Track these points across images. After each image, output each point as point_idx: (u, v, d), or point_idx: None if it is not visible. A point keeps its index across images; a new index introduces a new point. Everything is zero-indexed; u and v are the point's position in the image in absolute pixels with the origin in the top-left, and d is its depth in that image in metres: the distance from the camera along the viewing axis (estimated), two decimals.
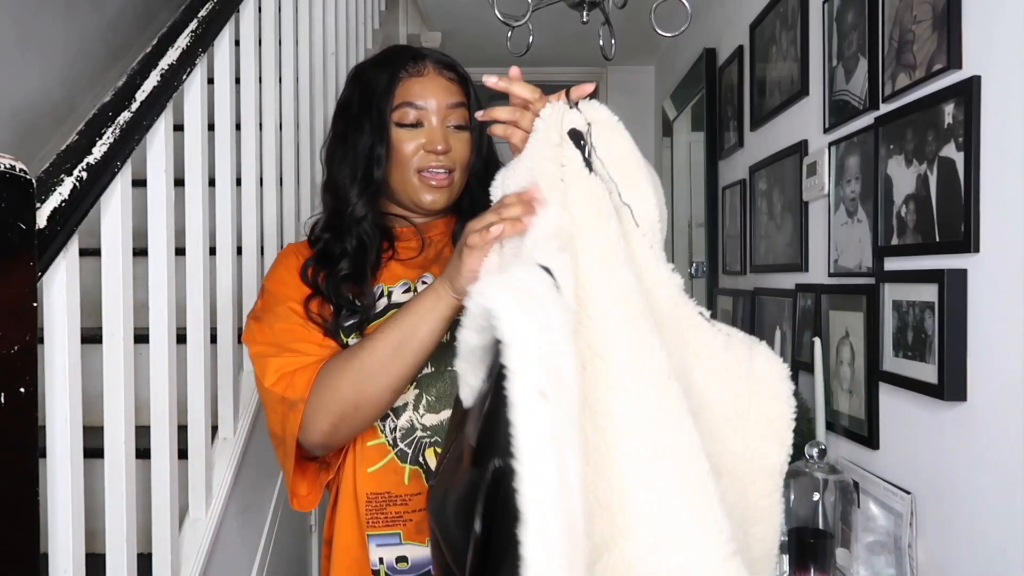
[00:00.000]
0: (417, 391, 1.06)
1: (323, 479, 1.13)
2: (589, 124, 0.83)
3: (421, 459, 1.06)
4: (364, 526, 1.06)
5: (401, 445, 1.06)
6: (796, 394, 0.90)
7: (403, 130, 1.09)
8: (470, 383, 0.70)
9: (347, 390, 0.98)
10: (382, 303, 1.11)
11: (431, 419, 1.06)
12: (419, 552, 1.04)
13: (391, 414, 1.06)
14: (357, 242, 1.12)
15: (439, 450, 1.03)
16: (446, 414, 1.05)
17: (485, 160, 1.17)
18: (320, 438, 1.01)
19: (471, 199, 1.17)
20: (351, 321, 1.09)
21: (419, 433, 1.06)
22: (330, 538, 1.13)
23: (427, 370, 1.04)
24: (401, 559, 1.05)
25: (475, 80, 1.14)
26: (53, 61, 2.67)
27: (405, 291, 1.12)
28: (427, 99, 1.09)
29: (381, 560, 1.06)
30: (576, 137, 0.82)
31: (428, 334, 0.94)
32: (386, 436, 1.07)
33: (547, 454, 0.56)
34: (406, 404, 1.06)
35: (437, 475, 0.76)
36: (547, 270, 0.66)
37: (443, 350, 0.98)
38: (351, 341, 1.08)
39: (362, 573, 1.06)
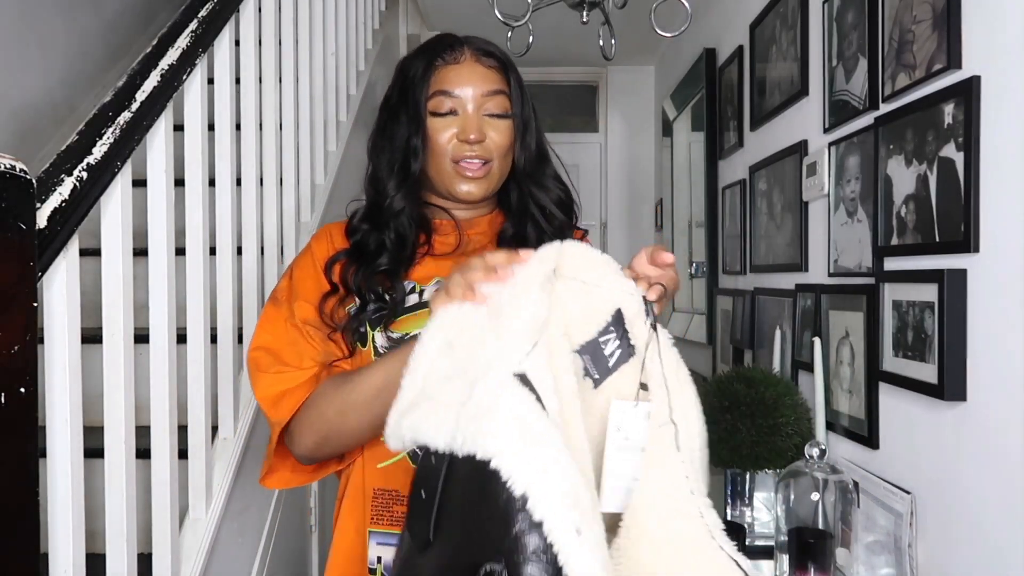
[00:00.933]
0: None
1: (332, 468, 1.10)
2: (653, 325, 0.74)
3: None
4: (368, 522, 1.04)
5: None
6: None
7: (438, 119, 1.07)
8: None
9: (332, 417, 0.97)
10: (412, 299, 1.08)
11: None
12: None
13: None
14: (395, 235, 1.09)
15: None
16: None
17: (537, 155, 1.12)
18: (305, 452, 1.02)
19: (520, 197, 1.13)
20: (379, 314, 1.06)
21: None
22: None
23: None
24: None
25: (522, 69, 1.11)
26: (53, 61, 2.67)
27: (437, 290, 1.07)
28: (462, 87, 1.06)
29: (379, 559, 1.03)
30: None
31: None
32: None
33: None
34: None
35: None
36: (523, 378, 0.62)
37: None
38: (376, 334, 1.05)
39: (359, 570, 1.04)
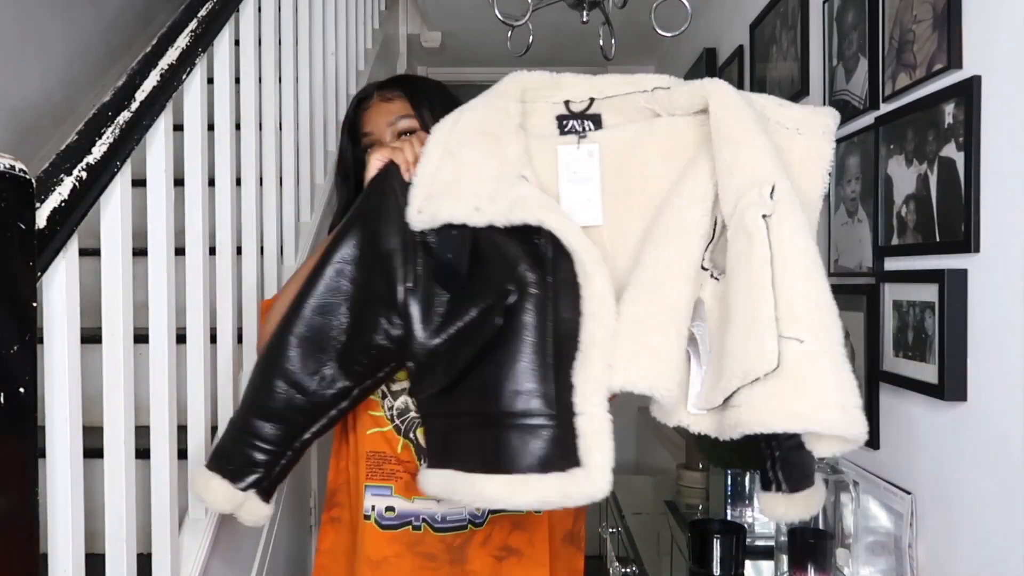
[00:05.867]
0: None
1: None
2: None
3: (412, 436, 1.25)
4: (363, 478, 1.26)
5: (397, 421, 1.25)
6: None
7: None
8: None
9: (290, 291, 1.18)
10: None
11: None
12: (404, 505, 1.24)
13: (389, 395, 1.26)
14: None
15: None
16: None
17: None
18: (267, 338, 1.19)
19: None
20: None
21: (412, 414, 1.25)
22: (334, 488, 1.34)
23: None
24: (389, 508, 1.24)
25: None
26: (53, 61, 2.67)
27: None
28: (374, 124, 1.34)
29: (373, 508, 1.25)
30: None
31: None
32: (385, 411, 1.26)
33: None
34: (404, 388, 1.24)
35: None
36: (525, 178, 1.07)
37: None
38: None
39: (359, 517, 1.27)
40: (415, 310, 1.08)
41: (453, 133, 1.08)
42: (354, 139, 1.37)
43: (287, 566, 1.94)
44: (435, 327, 1.07)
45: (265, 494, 1.13)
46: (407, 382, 1.21)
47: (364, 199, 1.13)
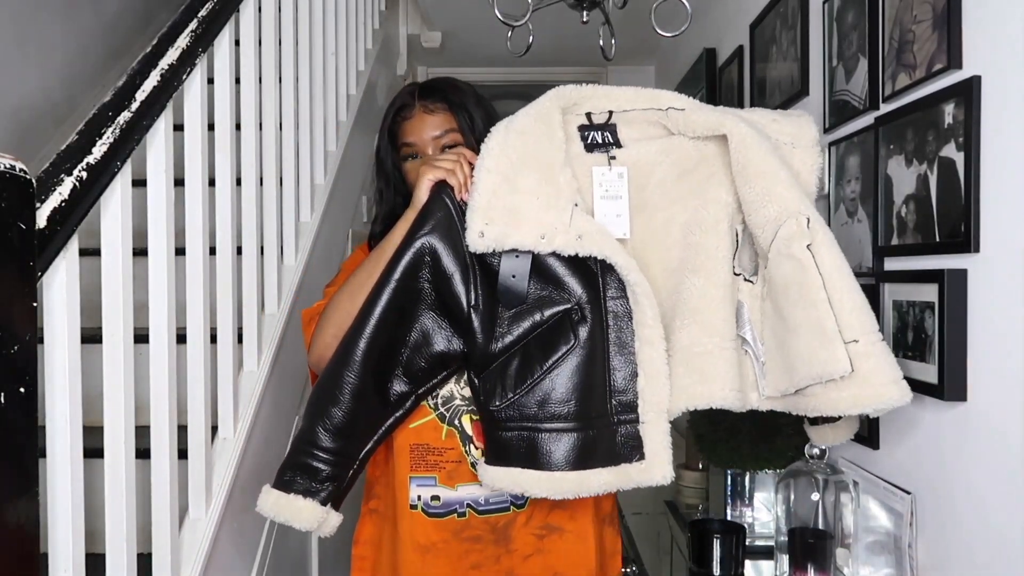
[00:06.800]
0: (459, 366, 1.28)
1: None
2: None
3: (457, 422, 1.30)
4: (408, 469, 1.30)
5: (441, 409, 1.30)
6: None
7: (410, 163, 1.38)
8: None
9: (344, 302, 1.25)
10: None
11: (469, 391, 1.27)
12: (449, 493, 1.30)
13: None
14: None
15: (474, 417, 1.28)
16: None
17: None
18: (323, 349, 1.26)
19: None
20: None
21: (457, 401, 1.30)
22: (372, 480, 1.40)
23: None
24: (435, 498, 1.30)
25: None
26: (53, 61, 2.67)
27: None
28: (417, 136, 1.37)
29: (419, 497, 1.30)
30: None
31: None
32: (427, 401, 1.29)
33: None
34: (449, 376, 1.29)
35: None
36: (576, 206, 1.18)
37: None
38: None
39: (403, 507, 1.31)
40: (479, 326, 1.17)
41: (503, 159, 1.15)
42: (394, 146, 1.40)
43: (287, 566, 1.94)
44: (499, 341, 1.17)
45: (337, 505, 1.22)
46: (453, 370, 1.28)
47: (427, 216, 1.19)
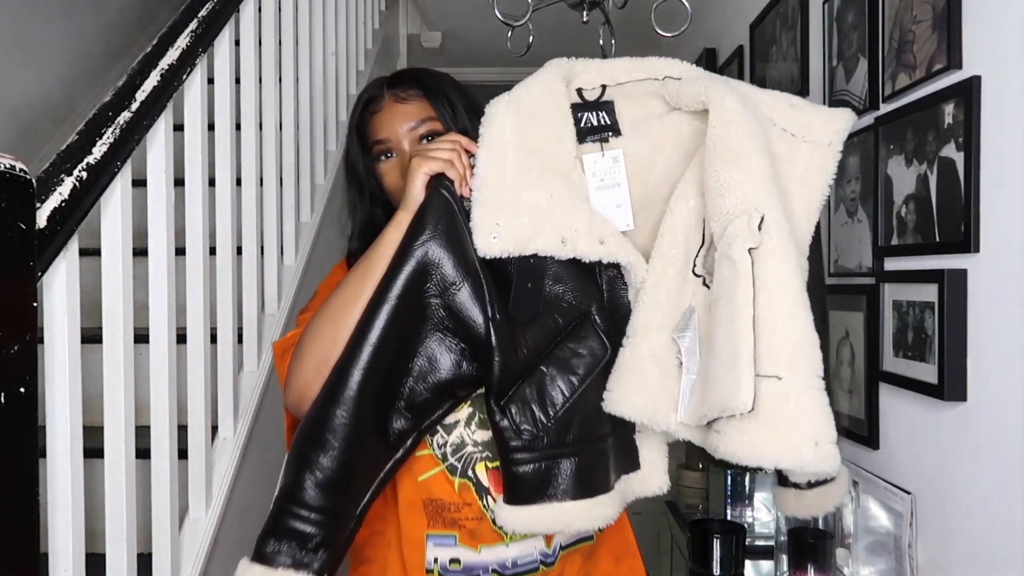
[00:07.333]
0: (471, 409, 1.09)
1: None
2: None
3: (471, 473, 1.08)
4: (425, 526, 1.09)
5: (451, 460, 1.09)
6: None
7: (383, 163, 1.17)
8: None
9: (328, 327, 1.02)
10: None
11: (483, 435, 1.08)
12: (471, 556, 1.08)
13: (440, 430, 1.09)
14: None
15: (490, 464, 1.08)
16: None
17: None
18: (303, 386, 1.03)
19: None
20: None
21: (469, 448, 1.09)
22: (361, 543, 1.13)
23: (481, 390, 1.04)
24: (454, 561, 1.08)
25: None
26: (53, 61, 2.67)
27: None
28: (388, 131, 1.15)
29: (436, 560, 1.08)
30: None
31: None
32: (434, 450, 1.09)
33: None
34: (457, 421, 1.09)
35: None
36: (590, 205, 1.05)
37: None
38: None
39: (416, 571, 1.09)
40: (498, 342, 0.97)
41: (509, 144, 0.97)
42: (364, 147, 1.19)
43: None
44: (521, 360, 0.99)
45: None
46: (460, 413, 1.09)
47: (427, 218, 0.98)
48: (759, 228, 0.90)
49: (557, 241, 0.96)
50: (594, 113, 1.04)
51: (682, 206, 1.00)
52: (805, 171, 1.01)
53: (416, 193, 1.00)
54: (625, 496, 1.06)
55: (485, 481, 1.08)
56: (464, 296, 0.98)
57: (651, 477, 1.06)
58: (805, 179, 1.00)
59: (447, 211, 0.98)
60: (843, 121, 1.02)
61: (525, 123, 0.98)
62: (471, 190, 0.97)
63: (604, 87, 1.03)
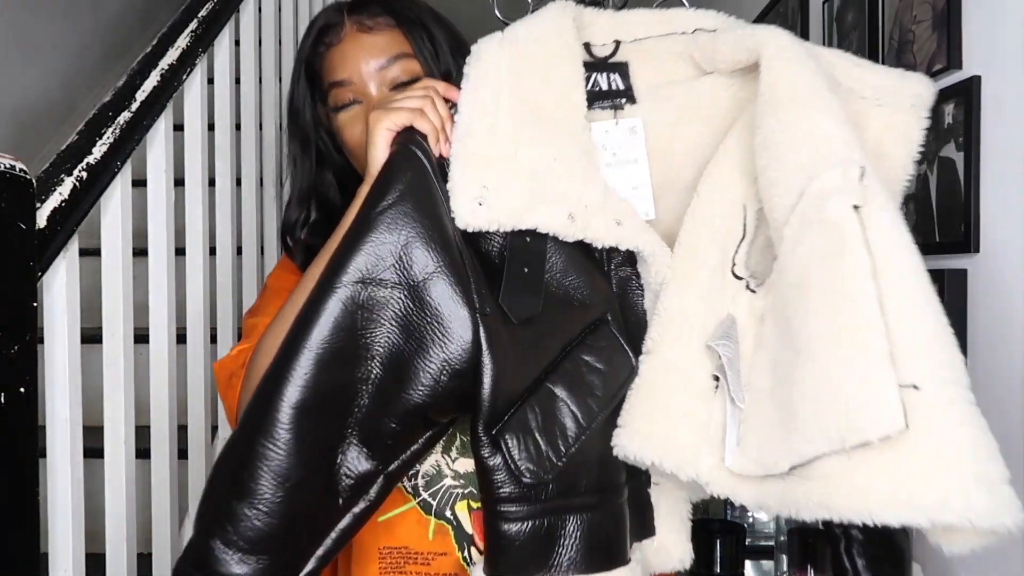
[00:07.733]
0: (451, 430, 0.78)
1: None
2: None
3: (449, 513, 0.82)
4: None
5: (424, 495, 0.83)
6: None
7: (343, 114, 0.89)
8: None
9: (280, 335, 0.73)
10: None
11: (466, 464, 0.82)
12: None
13: None
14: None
15: (473, 504, 0.82)
16: None
17: None
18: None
19: None
20: None
21: (448, 481, 0.83)
22: None
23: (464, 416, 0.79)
24: None
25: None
26: (53, 61, 2.67)
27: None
28: (352, 69, 0.87)
29: None
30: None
31: None
32: (403, 482, 0.82)
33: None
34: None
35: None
36: (607, 186, 0.81)
37: None
38: None
39: None
40: (489, 345, 0.68)
41: (503, 91, 0.73)
42: (315, 91, 0.92)
43: None
44: (523, 372, 0.71)
45: None
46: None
47: (390, 183, 0.70)
48: (860, 180, 0.65)
49: (563, 215, 0.71)
50: (604, 75, 0.80)
51: (714, 190, 0.77)
52: (880, 141, 0.76)
53: (379, 156, 0.74)
54: (644, 570, 0.77)
55: (468, 526, 0.82)
56: (440, 284, 0.68)
57: (671, 545, 0.78)
58: (881, 150, 0.76)
59: (417, 173, 0.71)
60: (923, 84, 0.77)
61: (523, 67, 0.75)
62: (450, 144, 0.72)
63: (618, 43, 0.81)
